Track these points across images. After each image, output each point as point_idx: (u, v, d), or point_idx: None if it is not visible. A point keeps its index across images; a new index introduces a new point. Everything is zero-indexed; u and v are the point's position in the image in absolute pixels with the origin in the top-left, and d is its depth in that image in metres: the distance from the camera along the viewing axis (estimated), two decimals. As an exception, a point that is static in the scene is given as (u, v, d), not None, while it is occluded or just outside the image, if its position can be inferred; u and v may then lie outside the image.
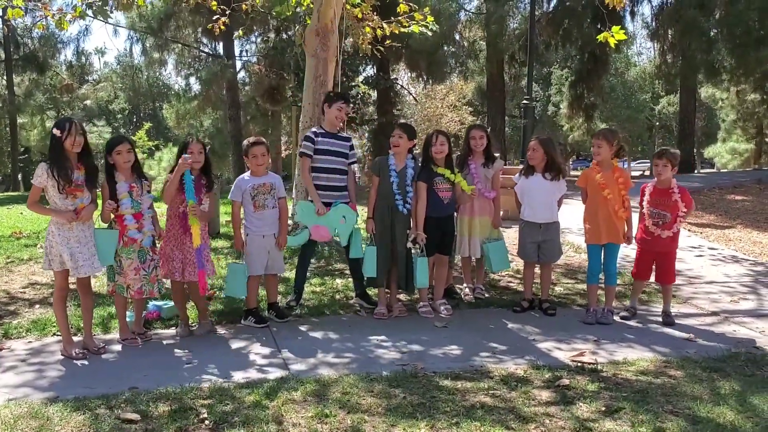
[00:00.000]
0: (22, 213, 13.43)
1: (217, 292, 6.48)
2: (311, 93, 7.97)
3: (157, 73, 39.87)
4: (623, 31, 7.82)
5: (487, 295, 6.64)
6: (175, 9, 21.98)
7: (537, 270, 6.33)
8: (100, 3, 7.31)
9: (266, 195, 5.60)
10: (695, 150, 35.76)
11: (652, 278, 6.09)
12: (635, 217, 5.98)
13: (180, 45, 28.37)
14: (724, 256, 8.77)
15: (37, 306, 6.13)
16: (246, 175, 5.70)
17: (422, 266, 5.86)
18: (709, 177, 22.54)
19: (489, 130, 7.05)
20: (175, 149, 5.27)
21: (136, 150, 5.38)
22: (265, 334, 5.40)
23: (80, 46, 45.37)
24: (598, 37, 8.27)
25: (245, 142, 5.73)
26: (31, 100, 35.09)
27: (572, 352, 4.93)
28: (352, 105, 19.82)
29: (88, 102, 42.44)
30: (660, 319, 5.82)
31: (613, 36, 7.84)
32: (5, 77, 33.14)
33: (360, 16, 9.20)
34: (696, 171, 30.98)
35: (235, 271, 5.60)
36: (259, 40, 27.31)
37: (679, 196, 5.76)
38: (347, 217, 5.84)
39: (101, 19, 7.43)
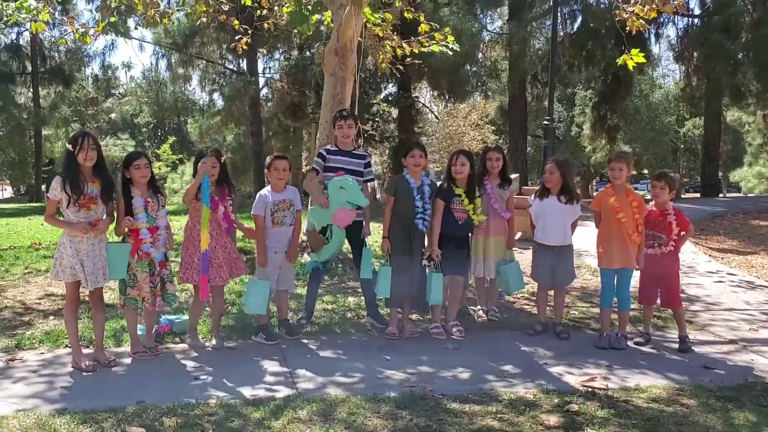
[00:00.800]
0: (42, 224, 13.56)
1: (229, 308, 6.50)
2: (328, 111, 8.00)
3: (182, 88, 40.20)
4: (642, 54, 7.77)
5: (500, 317, 6.59)
6: (199, 26, 22.24)
7: (552, 293, 6.27)
8: (113, 20, 7.40)
9: (285, 212, 5.64)
10: (721, 174, 35.32)
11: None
12: None
13: (204, 61, 28.68)
14: (744, 283, 8.64)
15: (52, 317, 6.18)
16: (267, 189, 5.71)
17: (437, 283, 5.84)
18: (733, 201, 22.27)
19: (510, 150, 7.05)
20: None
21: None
22: (274, 351, 5.39)
23: (106, 60, 45.97)
24: (617, 59, 8.23)
25: (269, 157, 5.80)
26: (56, 113, 35.54)
27: (583, 376, 4.87)
28: (371, 122, 20.02)
29: (113, 115, 43.01)
30: (675, 345, 5.72)
31: (632, 59, 7.80)
32: (31, 89, 33.67)
33: (381, 34, 9.24)
34: (722, 195, 30.60)
35: (257, 287, 5.53)
36: (282, 57, 27.55)
37: (674, 218, 5.74)
38: (345, 186, 5.66)
39: (131, 38, 7.55)
